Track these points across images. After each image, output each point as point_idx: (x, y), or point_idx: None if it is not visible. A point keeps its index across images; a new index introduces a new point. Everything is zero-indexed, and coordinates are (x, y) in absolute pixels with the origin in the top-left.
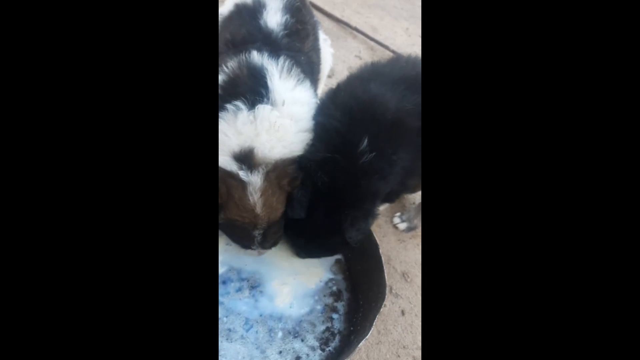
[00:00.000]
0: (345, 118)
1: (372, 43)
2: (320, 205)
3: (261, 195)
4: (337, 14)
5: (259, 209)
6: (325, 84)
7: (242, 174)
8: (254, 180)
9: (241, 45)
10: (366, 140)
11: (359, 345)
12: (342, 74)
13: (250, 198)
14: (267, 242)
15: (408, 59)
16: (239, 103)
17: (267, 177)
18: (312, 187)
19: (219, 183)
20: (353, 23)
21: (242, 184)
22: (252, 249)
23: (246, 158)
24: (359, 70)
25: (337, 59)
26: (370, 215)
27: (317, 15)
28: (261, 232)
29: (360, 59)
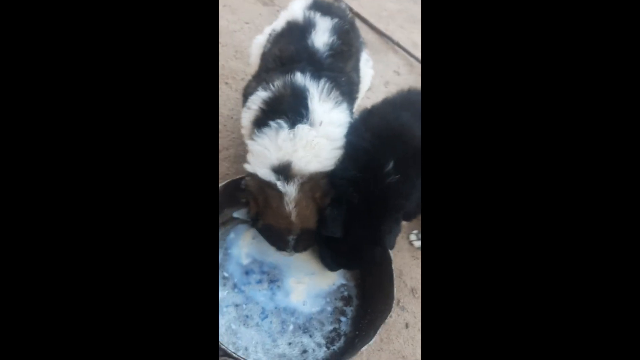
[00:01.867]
0: (375, 140)
1: (412, 59)
2: (355, 220)
3: (295, 205)
4: (381, 27)
5: (293, 217)
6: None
7: (280, 185)
8: (290, 190)
9: (288, 64)
10: (392, 163)
11: (361, 349)
12: (378, 89)
13: (286, 207)
14: (299, 247)
15: None
16: (281, 121)
17: (301, 188)
18: (346, 205)
19: (257, 193)
20: (396, 38)
21: (280, 194)
22: (286, 251)
23: (284, 171)
24: (393, 96)
25: (375, 72)
26: (399, 221)
27: (360, 27)
28: (295, 237)
29: (399, 74)
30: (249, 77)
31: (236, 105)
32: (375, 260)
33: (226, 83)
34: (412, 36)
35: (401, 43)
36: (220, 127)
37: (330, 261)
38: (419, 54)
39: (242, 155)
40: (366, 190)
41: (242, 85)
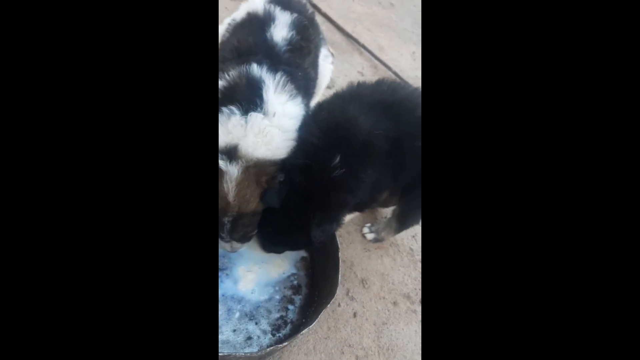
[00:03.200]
0: (322, 136)
1: (377, 62)
2: (293, 201)
3: (236, 185)
4: (348, 28)
5: (231, 198)
6: (323, 94)
7: (222, 164)
8: (231, 170)
9: (245, 55)
10: (338, 157)
11: (307, 336)
12: (342, 87)
13: (225, 186)
14: (235, 232)
15: (390, 84)
16: (233, 108)
17: (245, 170)
18: (289, 184)
19: None
20: (362, 40)
21: (220, 173)
22: (222, 238)
23: (229, 152)
24: (342, 90)
25: (340, 72)
26: (335, 221)
27: (328, 28)
28: (230, 219)
29: (362, 75)
30: None
31: None
32: (302, 247)
33: None
34: (377, 39)
35: (367, 45)
36: None
37: (262, 242)
38: (383, 57)
39: None
40: (313, 178)
41: None
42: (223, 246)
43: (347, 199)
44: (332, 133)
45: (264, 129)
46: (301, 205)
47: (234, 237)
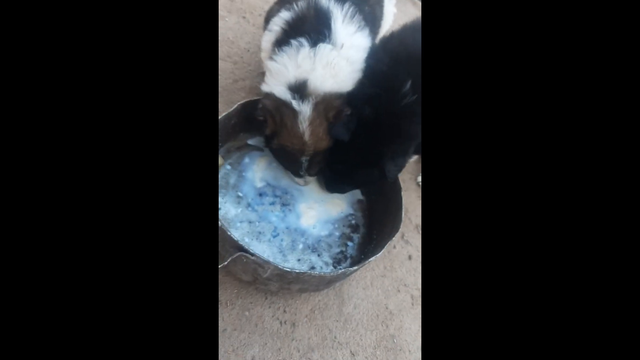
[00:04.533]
0: (392, 63)
1: None
2: (362, 135)
3: (309, 124)
4: None
5: (307, 137)
6: None
7: (295, 103)
8: (305, 109)
9: None
10: (409, 83)
11: (362, 270)
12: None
13: (300, 126)
14: (312, 169)
15: None
16: (302, 40)
17: (315, 107)
18: (358, 118)
19: (274, 111)
20: None
21: (294, 113)
22: (299, 175)
23: (299, 89)
24: (412, 21)
25: (395, 22)
26: (407, 153)
27: None
28: (308, 158)
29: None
30: (265, 13)
31: (253, 39)
32: (372, 183)
33: (244, 17)
34: None
35: None
36: (237, 58)
37: (332, 184)
38: None
39: (256, 86)
40: (381, 108)
41: (259, 20)
42: (297, 181)
43: (417, 130)
44: (402, 60)
45: (332, 61)
46: (371, 139)
47: (310, 172)
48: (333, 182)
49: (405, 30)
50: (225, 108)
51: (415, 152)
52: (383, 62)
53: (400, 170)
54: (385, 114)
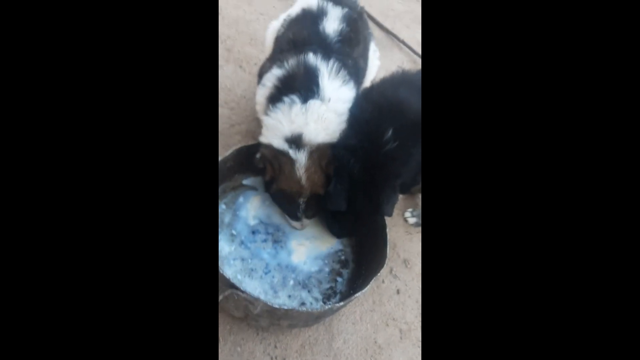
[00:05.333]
0: (374, 112)
1: (415, 57)
2: (357, 191)
3: (305, 171)
4: (388, 25)
5: (304, 181)
6: None
7: (292, 153)
8: (301, 158)
9: (300, 46)
10: (391, 131)
11: (351, 306)
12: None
13: (298, 172)
14: (309, 211)
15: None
16: (294, 97)
17: (310, 156)
18: (347, 178)
19: (272, 160)
20: (401, 36)
21: (291, 161)
22: (297, 218)
23: (296, 141)
24: (391, 75)
25: (381, 67)
26: (395, 190)
27: (369, 24)
28: (305, 200)
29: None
30: (262, 62)
31: (249, 86)
32: (375, 226)
33: (240, 66)
34: (416, 35)
35: (406, 41)
36: (233, 105)
37: (338, 231)
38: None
39: (252, 130)
40: (366, 159)
41: (255, 69)
42: (294, 225)
43: (400, 170)
44: (383, 110)
45: (322, 115)
46: (367, 192)
47: (307, 215)
48: (338, 229)
49: (384, 82)
50: (222, 151)
51: (400, 191)
52: (365, 111)
53: (394, 205)
54: (371, 163)
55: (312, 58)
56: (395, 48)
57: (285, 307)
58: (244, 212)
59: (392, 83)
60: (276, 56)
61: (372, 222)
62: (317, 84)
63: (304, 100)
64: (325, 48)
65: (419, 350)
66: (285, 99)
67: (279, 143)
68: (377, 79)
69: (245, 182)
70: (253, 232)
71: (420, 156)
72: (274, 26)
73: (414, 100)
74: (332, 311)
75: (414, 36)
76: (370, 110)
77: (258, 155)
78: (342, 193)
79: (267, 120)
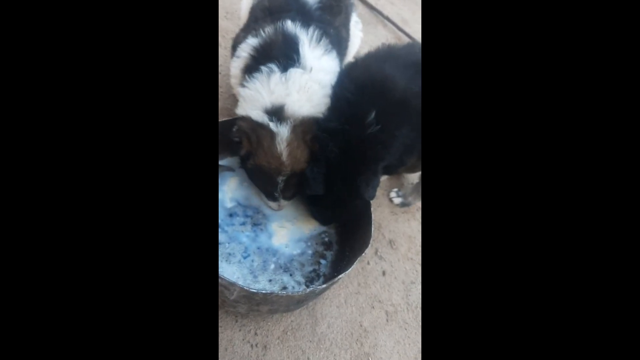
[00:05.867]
0: (357, 91)
1: (400, 34)
2: (335, 175)
3: (287, 145)
4: (371, 1)
5: (284, 157)
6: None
7: (272, 125)
8: (282, 131)
9: (277, 14)
10: (374, 113)
11: (336, 288)
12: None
13: (278, 147)
14: (287, 191)
15: (421, 48)
16: (272, 66)
17: (294, 130)
18: (325, 162)
19: (250, 133)
20: (385, 12)
21: (271, 134)
22: (274, 198)
23: (277, 112)
24: (376, 49)
25: (365, 43)
26: (377, 174)
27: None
28: (284, 179)
29: None
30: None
31: (224, 62)
32: (357, 211)
33: None
34: (400, 12)
35: (391, 17)
36: None
37: (319, 217)
38: (406, 29)
39: (228, 108)
40: (346, 142)
41: (231, 44)
42: (271, 205)
43: (383, 155)
44: (367, 89)
45: (304, 85)
46: (344, 176)
47: (285, 195)
48: (321, 218)
49: (369, 58)
50: None
51: (385, 173)
52: (348, 90)
53: (376, 188)
54: (351, 146)
55: (291, 25)
56: (380, 24)
57: (264, 292)
58: (220, 195)
59: (377, 58)
60: (251, 25)
61: (353, 206)
62: (297, 52)
63: (284, 69)
64: (305, 15)
65: (406, 332)
66: (263, 68)
67: (257, 115)
68: (362, 54)
69: (221, 162)
70: (230, 215)
71: (406, 137)
72: None
73: (400, 77)
74: (315, 295)
75: (398, 13)
76: (353, 90)
77: (234, 128)
78: (319, 177)
79: (243, 92)
